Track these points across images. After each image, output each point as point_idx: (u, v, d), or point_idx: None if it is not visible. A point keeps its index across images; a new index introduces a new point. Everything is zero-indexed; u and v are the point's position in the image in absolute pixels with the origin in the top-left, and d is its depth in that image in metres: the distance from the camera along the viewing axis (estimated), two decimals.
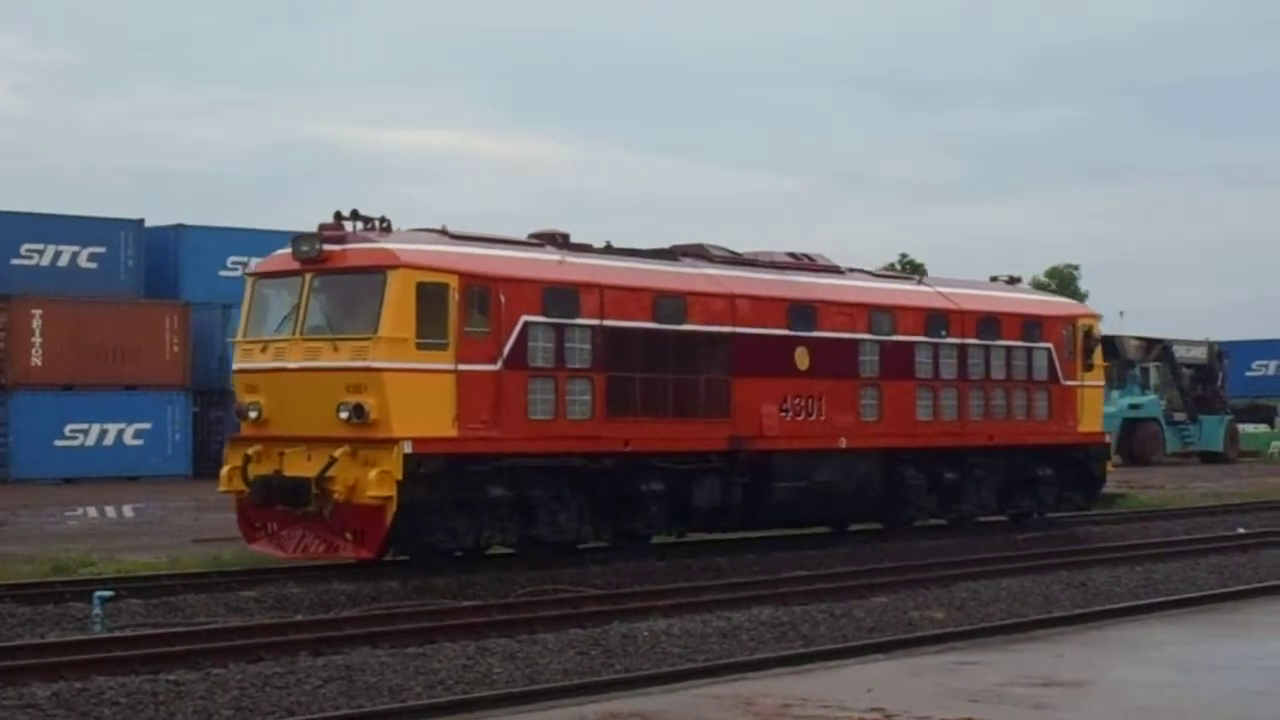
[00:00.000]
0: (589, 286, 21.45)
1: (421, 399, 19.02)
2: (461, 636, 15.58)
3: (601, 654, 14.95)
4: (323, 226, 19.82)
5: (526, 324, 20.28)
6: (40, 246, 41.73)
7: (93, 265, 42.33)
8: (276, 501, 19.14)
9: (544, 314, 20.55)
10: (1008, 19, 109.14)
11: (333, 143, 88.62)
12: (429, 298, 19.34)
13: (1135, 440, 52.19)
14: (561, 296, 21.13)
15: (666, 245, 23.46)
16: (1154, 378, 54.40)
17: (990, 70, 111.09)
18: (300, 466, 19.29)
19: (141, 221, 43.78)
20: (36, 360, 40.20)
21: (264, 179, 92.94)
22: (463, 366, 19.48)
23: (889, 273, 27.84)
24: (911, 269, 66.52)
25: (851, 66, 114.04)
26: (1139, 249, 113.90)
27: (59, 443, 40.32)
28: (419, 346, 19.07)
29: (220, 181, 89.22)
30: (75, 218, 43.55)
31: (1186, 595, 18.99)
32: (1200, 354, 57.10)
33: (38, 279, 41.73)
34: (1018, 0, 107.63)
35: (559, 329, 20.79)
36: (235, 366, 20.77)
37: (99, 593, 16.45)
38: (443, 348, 19.41)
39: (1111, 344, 52.70)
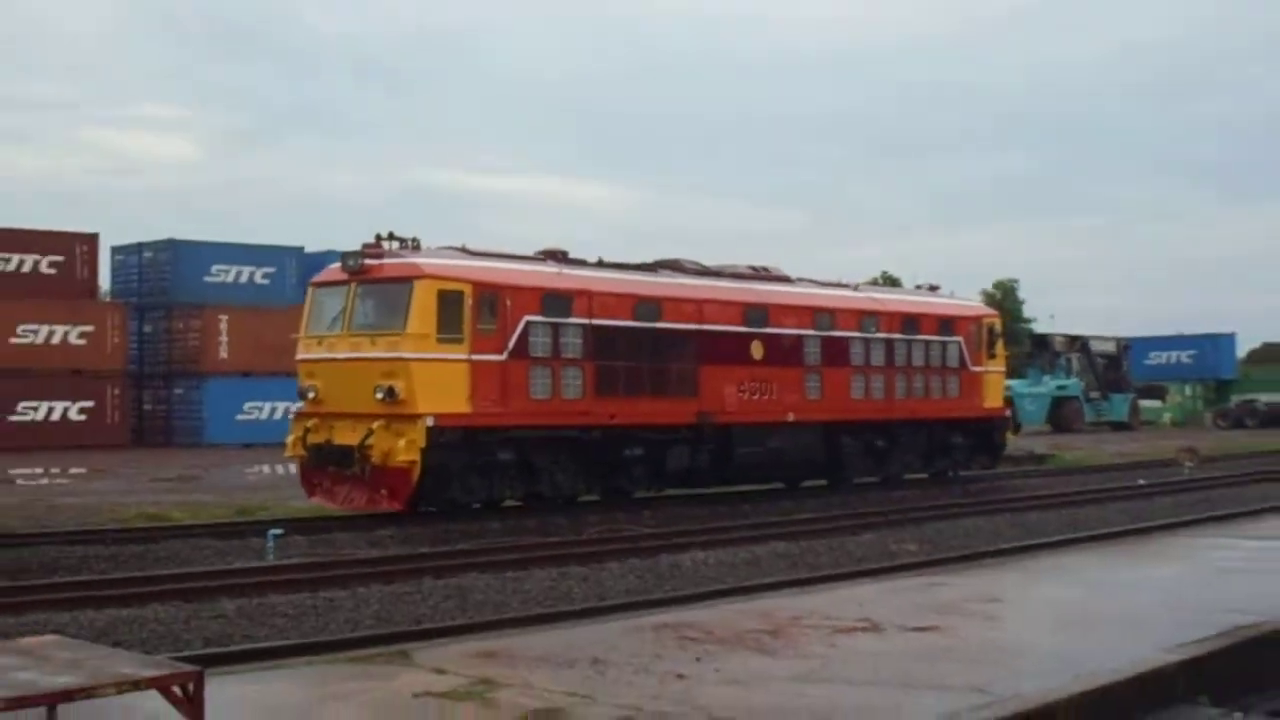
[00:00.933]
0: (581, 293, 23.61)
1: (441, 382, 21.22)
2: (547, 565, 17.38)
3: (654, 578, 16.86)
4: (365, 245, 22.31)
5: (528, 323, 22.52)
6: (226, 267, 47.70)
7: (265, 281, 48.27)
8: (328, 464, 21.62)
9: (543, 314, 22.76)
10: (981, 87, 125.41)
11: (439, 185, 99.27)
12: (447, 301, 21.50)
13: (1061, 413, 59.89)
14: (558, 301, 23.26)
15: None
16: (1075, 365, 61.61)
17: (961, 128, 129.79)
18: (346, 436, 21.50)
19: (301, 248, 49.50)
20: (224, 354, 46.54)
21: (395, 213, 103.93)
22: (475, 357, 21.69)
23: (830, 282, 28.95)
24: (889, 281, 70.07)
25: (860, 129, 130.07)
26: (1063, 266, 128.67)
27: (240, 417, 46.01)
28: (439, 341, 21.32)
29: (362, 215, 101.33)
30: (252, 246, 49.37)
31: (1101, 531, 20.95)
32: (1111, 347, 64.96)
33: (224, 293, 47.45)
34: (991, 71, 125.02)
35: (555, 326, 22.96)
36: (298, 357, 22.94)
37: (272, 530, 18.74)
38: (459, 342, 21.59)
39: (1043, 339, 61.65)
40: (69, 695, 7.39)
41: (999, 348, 32.80)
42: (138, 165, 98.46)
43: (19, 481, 28.90)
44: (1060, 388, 60.60)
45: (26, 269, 43.86)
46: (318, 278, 23.60)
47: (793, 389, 26.87)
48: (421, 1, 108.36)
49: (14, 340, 42.61)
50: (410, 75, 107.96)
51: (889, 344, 29.40)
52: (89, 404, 44.25)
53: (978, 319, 32.59)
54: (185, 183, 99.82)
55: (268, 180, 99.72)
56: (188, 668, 8.02)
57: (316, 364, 22.50)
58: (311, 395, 22.30)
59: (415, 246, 22.45)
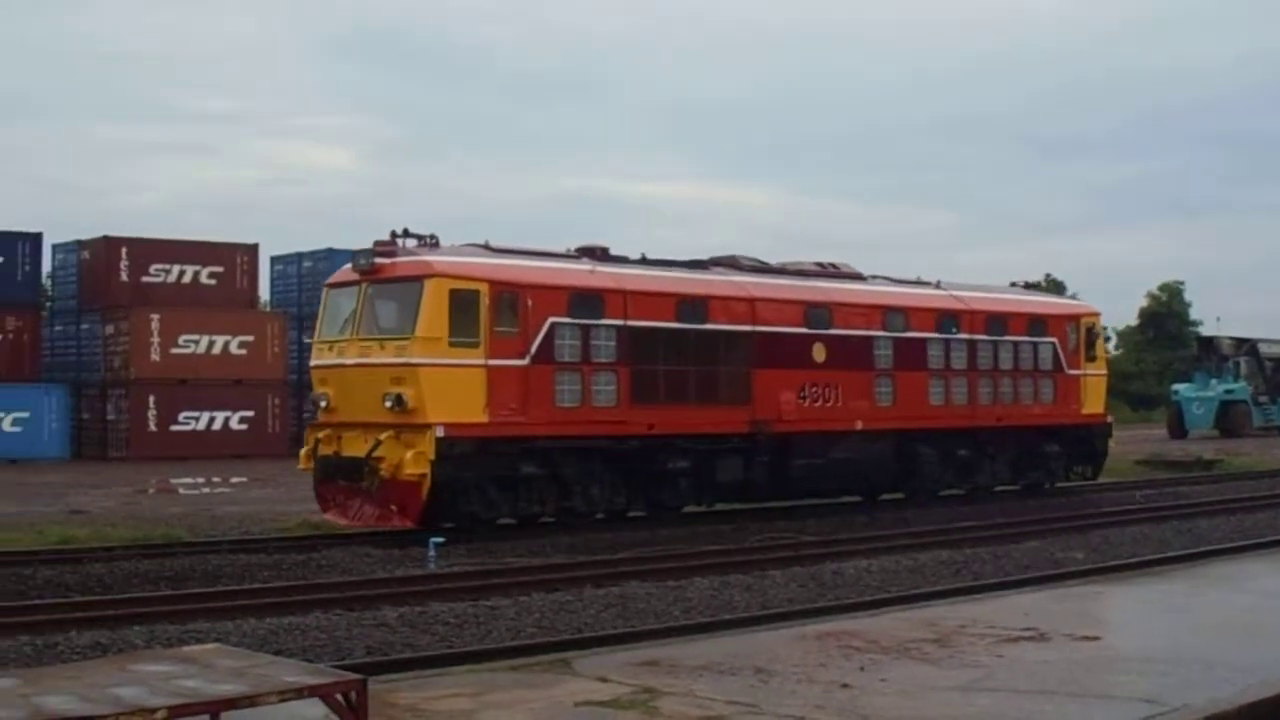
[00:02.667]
0: (614, 292, 20.39)
1: (454, 390, 18.33)
2: (709, 573, 15.99)
3: (817, 586, 15.51)
4: (377, 243, 19.35)
5: (553, 324, 19.41)
6: None
7: None
8: (337, 477, 18.85)
9: (570, 316, 19.64)
10: (1125, 88, 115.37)
11: (595, 192, 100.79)
12: (461, 302, 18.62)
13: (1229, 418, 53.68)
14: (587, 300, 20.11)
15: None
16: (1243, 368, 55.52)
17: (1108, 129, 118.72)
18: (356, 448, 18.71)
19: None
20: None
21: (551, 221, 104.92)
22: (493, 361, 18.69)
23: (908, 279, 25.48)
24: (1052, 285, 66.48)
25: (1007, 128, 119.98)
26: (1230, 268, 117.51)
27: None
28: (452, 344, 18.43)
29: (517, 223, 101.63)
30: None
31: (1271, 538, 18.92)
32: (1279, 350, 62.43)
33: None
34: (1135, 72, 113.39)
35: (585, 329, 19.80)
36: (311, 363, 20.31)
37: (433, 539, 17.22)
38: (474, 345, 18.63)
39: (1210, 342, 55.63)
40: (232, 703, 7.14)
41: (1099, 349, 28.63)
42: (298, 176, 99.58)
43: (182, 491, 27.03)
44: (1228, 391, 54.48)
45: (187, 280, 40.53)
46: (332, 278, 20.93)
47: (861, 395, 23.23)
48: (581, 13, 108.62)
49: (175, 350, 39.35)
50: (569, 85, 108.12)
51: (972, 345, 25.43)
52: (249, 413, 40.61)
53: (1074, 318, 28.25)
54: (344, 193, 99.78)
55: (424, 190, 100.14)
56: (350, 676, 7.79)
57: (328, 370, 19.76)
58: (323, 404, 19.60)
59: (433, 243, 19.56)
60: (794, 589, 15.26)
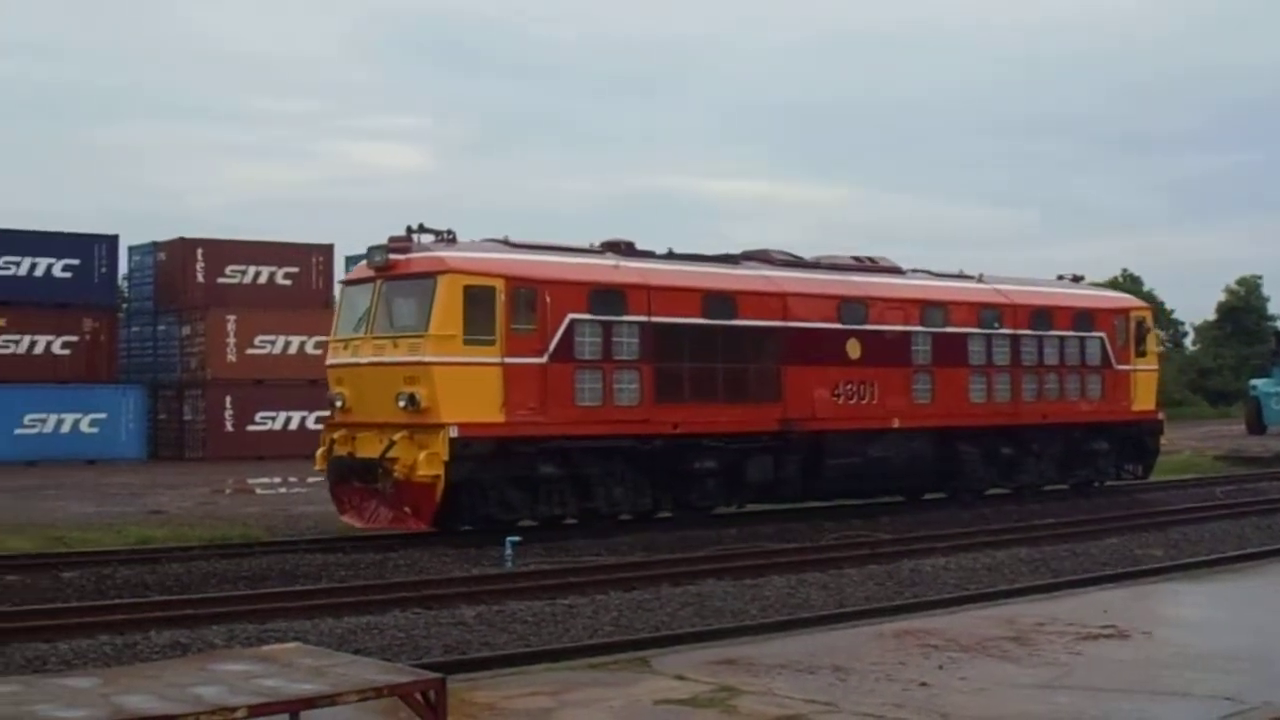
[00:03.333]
0: (637, 288, 19.35)
1: (468, 388, 17.43)
2: (785, 571, 15.57)
3: (894, 584, 15.04)
4: (392, 239, 18.48)
5: (573, 321, 18.48)
6: None
7: None
8: (350, 479, 17.99)
9: (591, 312, 18.72)
10: (1204, 83, 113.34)
11: (672, 190, 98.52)
12: (476, 299, 17.69)
13: None
14: (609, 296, 19.13)
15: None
16: None
17: (1187, 124, 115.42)
18: (371, 448, 17.83)
19: None
20: None
21: (624, 219, 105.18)
22: (509, 359, 17.76)
23: (950, 273, 24.08)
24: (1130, 280, 65.08)
25: (1087, 126, 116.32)
26: None
27: None
28: (467, 342, 17.52)
29: (591, 220, 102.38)
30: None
31: None
32: None
33: None
34: (1215, 68, 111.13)
35: (607, 325, 18.88)
36: (327, 361, 19.27)
37: (510, 538, 16.66)
38: (490, 343, 17.73)
39: None
40: (312, 702, 6.96)
41: (1150, 343, 27.02)
42: (371, 176, 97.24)
43: (258, 491, 26.29)
44: None
45: (263, 280, 39.23)
46: (348, 275, 20.34)
47: (898, 392, 22.01)
48: (654, 13, 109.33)
49: (251, 351, 38.08)
50: (641, 84, 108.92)
51: (1015, 340, 24.00)
52: (325, 414, 39.32)
53: (1123, 312, 26.74)
54: (417, 192, 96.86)
55: (498, 188, 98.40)
56: (429, 675, 7.59)
57: (343, 369, 18.80)
58: (339, 404, 18.58)
59: (450, 239, 18.54)
60: (871, 587, 14.82)
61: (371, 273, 18.63)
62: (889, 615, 12.08)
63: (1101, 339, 25.70)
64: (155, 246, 40.32)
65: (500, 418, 17.72)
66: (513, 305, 18.08)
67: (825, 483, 21.55)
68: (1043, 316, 25.04)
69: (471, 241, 19.08)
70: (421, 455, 17.36)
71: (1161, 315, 69.12)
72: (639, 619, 12.85)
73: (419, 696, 7.21)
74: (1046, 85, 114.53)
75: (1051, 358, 24.88)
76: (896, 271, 23.90)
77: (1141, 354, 26.44)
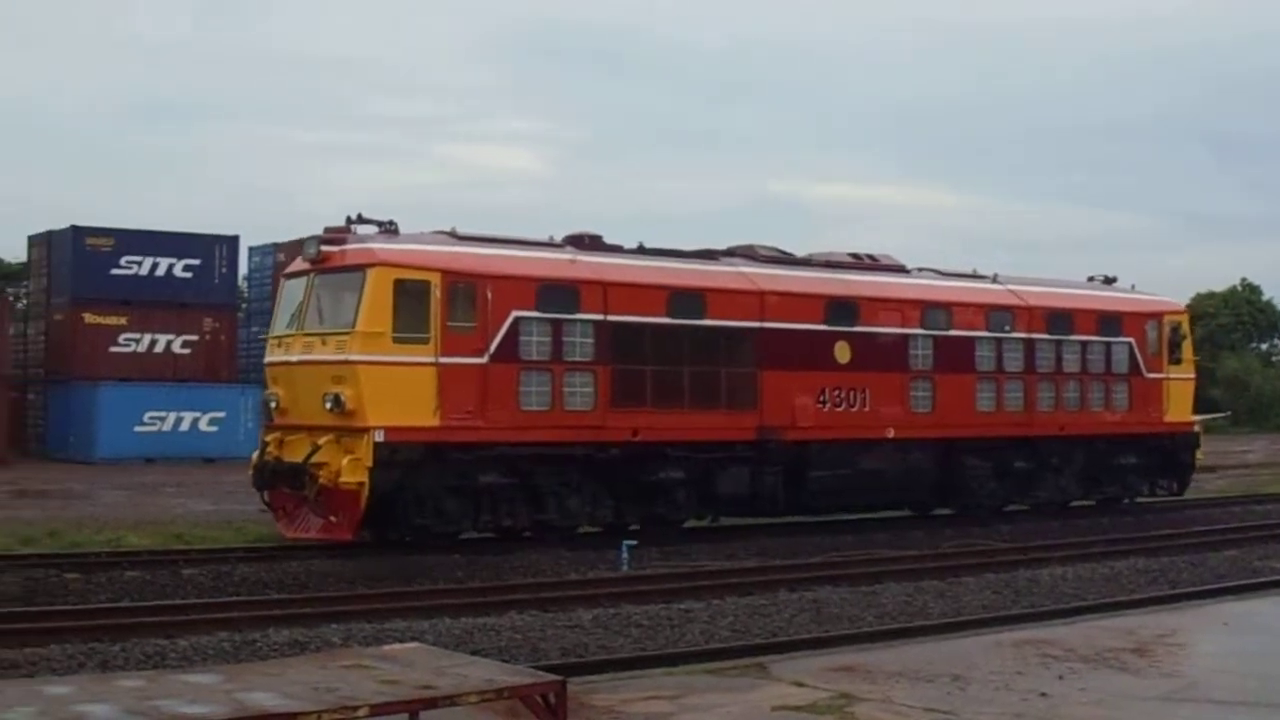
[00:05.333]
0: (592, 283, 19.59)
1: (398, 390, 18.03)
2: (902, 579, 17.24)
3: (1011, 593, 16.63)
4: (327, 229, 19.08)
5: (518, 319, 18.91)
6: None
7: None
8: (274, 485, 18.73)
9: (538, 309, 19.11)
10: None
11: (787, 194, 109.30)
12: (408, 293, 18.16)
13: None
14: (560, 293, 19.37)
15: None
16: None
17: None
18: (298, 453, 18.32)
19: None
20: None
21: (734, 222, 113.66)
22: (445, 359, 18.25)
23: (959, 272, 25.64)
24: (1247, 289, 69.13)
25: (1194, 127, 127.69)
26: None
27: None
28: (397, 340, 18.06)
29: (706, 224, 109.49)
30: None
31: None
32: None
33: None
34: None
35: (556, 324, 19.28)
36: (264, 360, 20.22)
37: (626, 542, 18.49)
38: (423, 341, 18.18)
39: None
40: (433, 702, 7.25)
41: (1186, 350, 27.35)
42: (486, 179, 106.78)
43: None
44: None
45: None
46: (288, 268, 20.50)
47: (893, 400, 22.60)
48: (775, 16, 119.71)
49: None
50: (756, 88, 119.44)
51: (1029, 345, 24.64)
52: None
53: (1155, 315, 26.87)
54: (533, 196, 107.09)
55: (612, 191, 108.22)
56: (550, 677, 7.94)
57: (277, 369, 19.46)
58: (273, 405, 19.39)
59: (392, 230, 19.14)
60: (988, 595, 16.37)
61: (307, 266, 18.99)
62: (1007, 624, 13.37)
63: (1129, 344, 26.13)
64: (276, 247, 43.76)
65: (434, 421, 18.14)
66: (450, 301, 18.41)
67: (809, 496, 21.65)
68: (1062, 319, 25.10)
69: (413, 233, 19.28)
70: (345, 461, 17.70)
71: None
72: (755, 624, 14.12)
73: (539, 699, 7.36)
74: (1162, 85, 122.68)
75: (1071, 364, 25.09)
76: (899, 270, 23.94)
77: (1176, 361, 26.85)
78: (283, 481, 18.67)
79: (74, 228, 39.75)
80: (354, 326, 18.19)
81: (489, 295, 18.82)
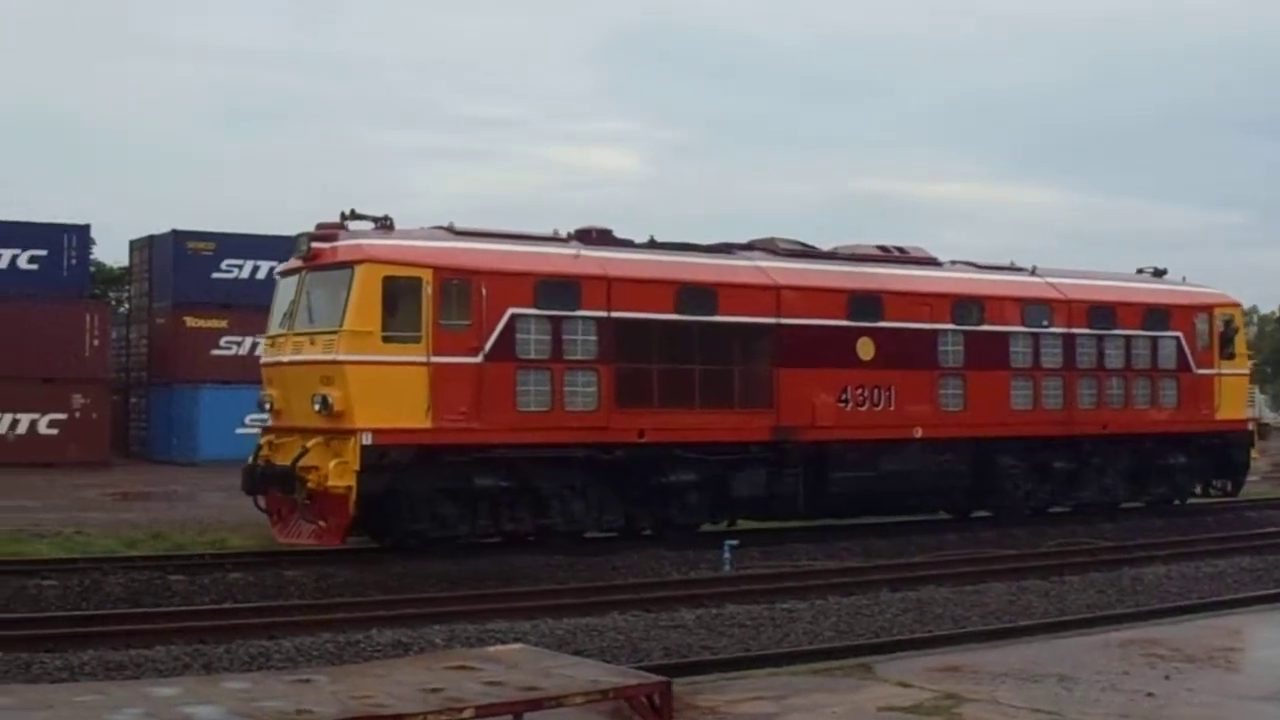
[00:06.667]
0: (594, 279, 19.60)
1: (387, 391, 18.34)
2: (1005, 578, 17.88)
3: (1116, 592, 17.34)
4: (319, 225, 19.30)
5: (514, 316, 19.03)
6: None
7: None
8: (264, 489, 19.14)
9: (536, 306, 19.24)
10: None
11: (882, 193, 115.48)
12: (398, 291, 18.38)
13: None
14: (559, 289, 19.40)
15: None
16: None
17: None
18: (287, 455, 18.61)
19: None
20: None
21: (831, 219, 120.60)
22: (437, 359, 18.51)
23: (997, 265, 26.18)
24: None
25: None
26: None
27: None
28: (386, 339, 18.33)
29: (802, 222, 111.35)
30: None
31: None
32: None
33: None
34: None
35: (556, 321, 19.37)
36: (260, 360, 20.70)
37: (728, 541, 19.10)
38: (415, 340, 18.38)
39: None
40: (538, 703, 7.42)
41: (1239, 345, 27.17)
42: (580, 180, 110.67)
43: None
44: None
45: None
46: (281, 266, 20.73)
47: (920, 398, 22.61)
48: (863, 13, 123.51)
49: None
50: (850, 85, 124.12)
51: (1069, 340, 24.56)
52: None
53: (1206, 309, 26.63)
54: (627, 196, 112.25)
55: (706, 191, 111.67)
56: (655, 678, 8.09)
57: (271, 369, 19.72)
58: (268, 406, 19.82)
59: (387, 226, 19.26)
60: (1092, 595, 17.01)
61: (300, 263, 19.05)
62: (1112, 624, 13.84)
63: (1177, 339, 26.08)
64: None
65: (426, 423, 18.27)
66: (442, 298, 18.42)
67: (830, 500, 21.51)
68: (1104, 313, 24.87)
69: (407, 229, 19.23)
70: (333, 464, 17.83)
71: None
72: (859, 624, 14.73)
73: (644, 699, 7.52)
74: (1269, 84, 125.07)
75: (1115, 360, 24.92)
76: (930, 263, 23.63)
77: (1229, 356, 26.71)
78: (273, 485, 18.86)
79: (175, 232, 41.91)
80: (342, 325, 18.28)
81: (484, 292, 18.96)
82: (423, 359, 18.67)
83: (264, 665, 12.33)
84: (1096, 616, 15.03)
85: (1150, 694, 9.83)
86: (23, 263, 39.86)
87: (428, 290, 18.65)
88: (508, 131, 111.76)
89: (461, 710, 7.53)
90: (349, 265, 18.58)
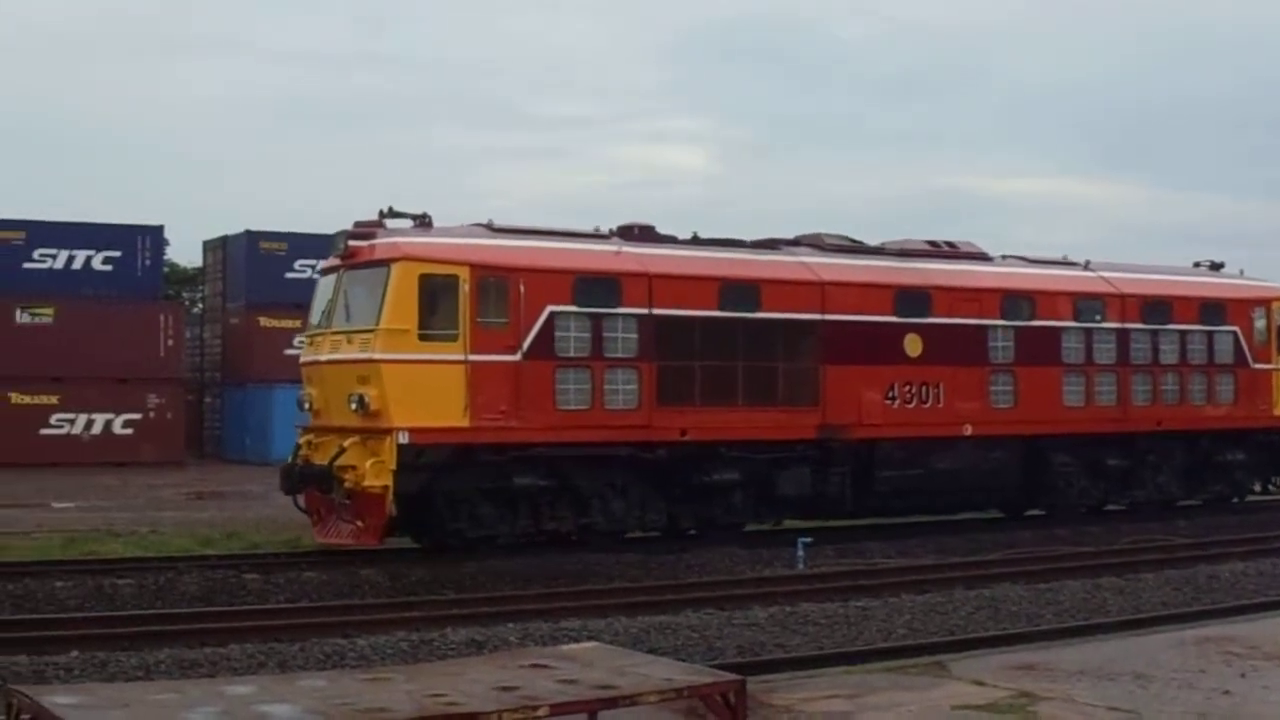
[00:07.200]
0: (635, 276, 19.54)
1: (424, 389, 18.39)
2: (1080, 575, 17.84)
3: (1192, 590, 17.22)
4: (357, 223, 19.28)
5: (553, 314, 19.08)
6: None
7: None
8: (303, 488, 19.24)
9: (575, 304, 19.26)
10: None
11: (963, 190, 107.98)
12: (434, 289, 18.40)
13: None
14: (599, 286, 19.36)
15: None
16: None
17: None
18: (325, 455, 18.69)
19: None
20: None
21: (906, 218, 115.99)
22: (475, 357, 18.56)
23: (1051, 259, 26.28)
24: None
25: None
26: None
27: None
28: (422, 338, 18.39)
29: (872, 220, 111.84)
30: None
31: None
32: None
33: None
34: None
35: (596, 319, 19.34)
36: (300, 360, 20.70)
37: (802, 539, 19.11)
38: (451, 339, 18.40)
39: None
40: (613, 702, 7.42)
41: None
42: (651, 178, 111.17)
43: None
44: None
45: None
46: (321, 264, 20.72)
47: (970, 395, 22.52)
48: (936, 11, 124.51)
49: None
50: (922, 84, 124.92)
51: (1123, 335, 24.44)
52: None
53: (1263, 303, 26.30)
54: (697, 194, 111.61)
55: (778, 189, 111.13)
56: (729, 676, 8.05)
57: (310, 368, 19.77)
58: (307, 405, 19.88)
59: (425, 223, 19.27)
60: (1167, 592, 16.94)
61: (338, 261, 19.10)
62: (1188, 622, 13.85)
63: (1234, 334, 25.85)
64: None
65: (464, 422, 18.25)
66: (480, 296, 18.42)
67: (878, 498, 21.48)
68: (1159, 308, 24.57)
69: (446, 227, 19.20)
70: (369, 463, 17.75)
71: None
72: (933, 622, 14.73)
73: (718, 698, 7.47)
74: None
75: (1169, 355, 24.69)
76: (980, 258, 23.42)
77: None
78: (311, 484, 19.03)
79: (248, 233, 42.32)
80: (378, 324, 18.27)
81: (522, 289, 19.03)
82: (460, 357, 18.83)
83: (339, 664, 12.52)
84: (1172, 614, 15.08)
85: (1227, 692, 9.86)
86: (97, 264, 40.47)
87: (465, 288, 18.81)
88: (581, 131, 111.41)
89: (536, 709, 7.57)
90: (386, 263, 18.71)
